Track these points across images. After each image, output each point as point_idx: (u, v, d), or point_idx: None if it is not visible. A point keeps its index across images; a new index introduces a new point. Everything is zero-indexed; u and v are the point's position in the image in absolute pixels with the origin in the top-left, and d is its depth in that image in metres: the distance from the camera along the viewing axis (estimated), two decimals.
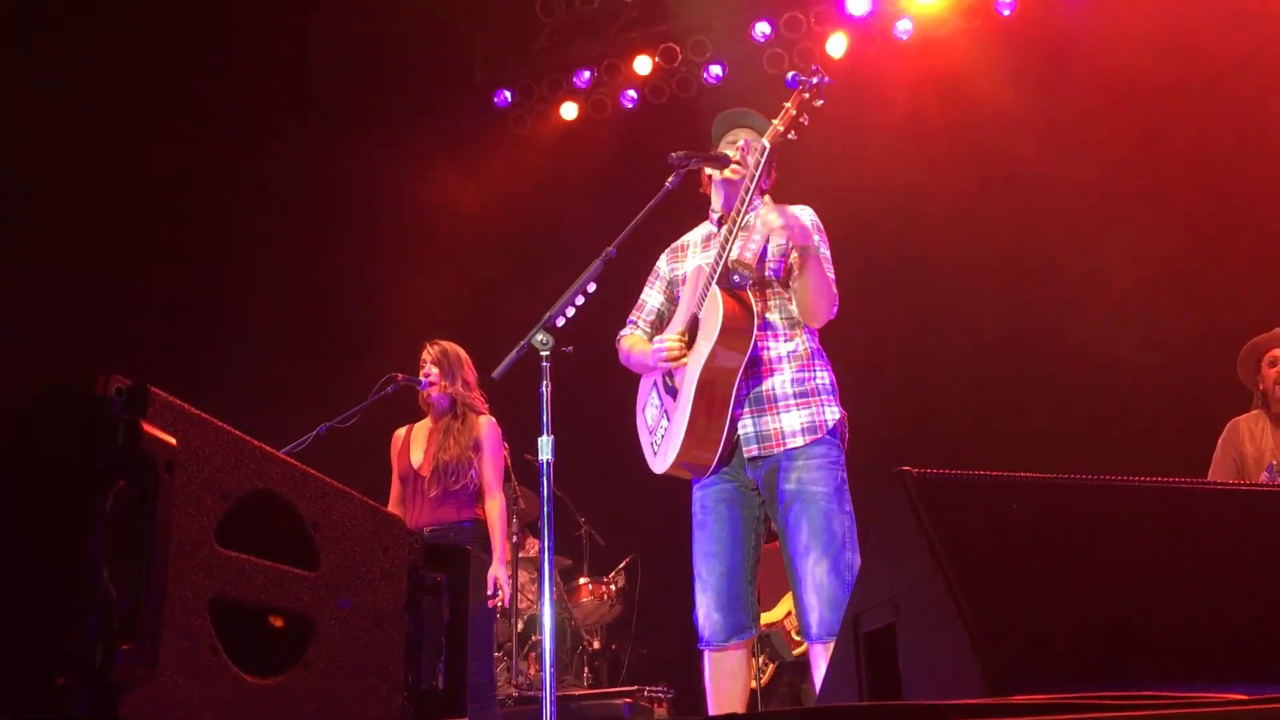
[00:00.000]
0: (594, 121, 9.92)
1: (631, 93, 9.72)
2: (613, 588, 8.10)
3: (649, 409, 4.49)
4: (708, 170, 4.50)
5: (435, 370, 6.01)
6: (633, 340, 4.56)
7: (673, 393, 4.28)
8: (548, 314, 4.13)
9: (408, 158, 9.68)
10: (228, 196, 8.89)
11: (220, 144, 8.69)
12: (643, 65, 9.50)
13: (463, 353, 6.13)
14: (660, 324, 4.56)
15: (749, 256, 4.13)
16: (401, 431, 6.18)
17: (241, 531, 1.83)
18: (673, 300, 4.52)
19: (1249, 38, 7.86)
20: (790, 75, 4.12)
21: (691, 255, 4.52)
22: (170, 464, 1.69)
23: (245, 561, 1.83)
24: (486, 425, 5.97)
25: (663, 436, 4.31)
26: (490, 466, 5.92)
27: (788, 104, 4.10)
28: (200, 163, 8.61)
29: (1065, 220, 8.50)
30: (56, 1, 7.80)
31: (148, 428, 1.66)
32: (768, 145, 4.10)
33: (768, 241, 4.20)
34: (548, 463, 4.10)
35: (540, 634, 4.39)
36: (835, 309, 4.24)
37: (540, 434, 4.13)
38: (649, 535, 8.22)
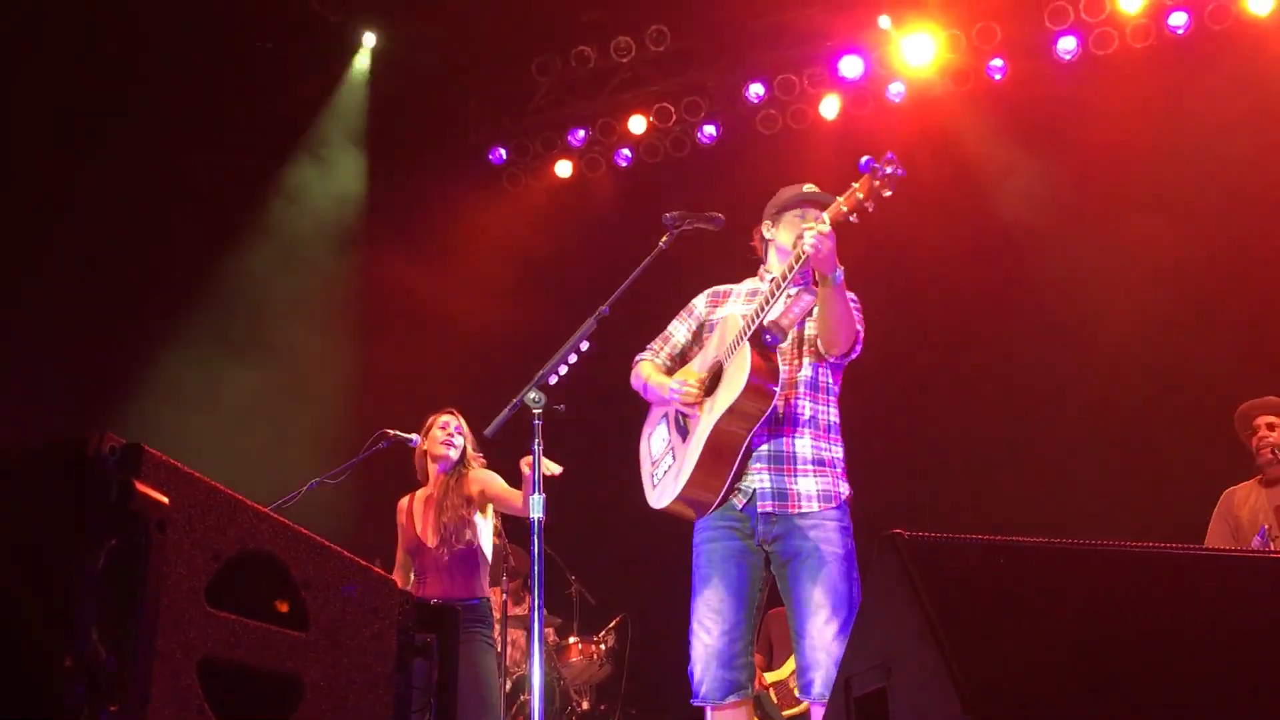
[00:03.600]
0: (588, 180, 9.97)
1: (626, 151, 9.78)
2: (603, 647, 8.02)
3: (654, 439, 4.50)
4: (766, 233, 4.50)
5: (463, 440, 5.99)
6: (650, 369, 4.53)
7: (684, 433, 4.29)
8: (540, 372, 4.13)
9: (401, 214, 9.71)
10: (216, 255, 8.89)
11: (210, 203, 8.70)
12: (637, 124, 9.57)
13: None
14: (680, 359, 4.56)
15: (787, 322, 4.15)
16: (404, 502, 6.10)
17: (232, 591, 1.82)
18: (698, 341, 4.53)
19: (1239, 103, 7.94)
20: (864, 159, 3.91)
21: (732, 303, 4.49)
22: (162, 523, 1.69)
23: (235, 622, 1.82)
24: (477, 476, 5.93)
25: (665, 473, 4.33)
26: (503, 492, 5.77)
27: (856, 185, 3.93)
28: (190, 220, 8.62)
29: (1060, 281, 8.53)
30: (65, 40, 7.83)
31: (140, 487, 1.66)
32: (827, 221, 3.94)
33: (810, 310, 4.21)
34: (539, 521, 4.09)
35: (529, 694, 4.35)
36: (858, 347, 4.22)
37: (532, 492, 4.13)
38: (640, 594, 8.18)
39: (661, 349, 4.59)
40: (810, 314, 4.24)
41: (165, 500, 1.70)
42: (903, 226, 8.42)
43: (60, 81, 7.83)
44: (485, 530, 5.90)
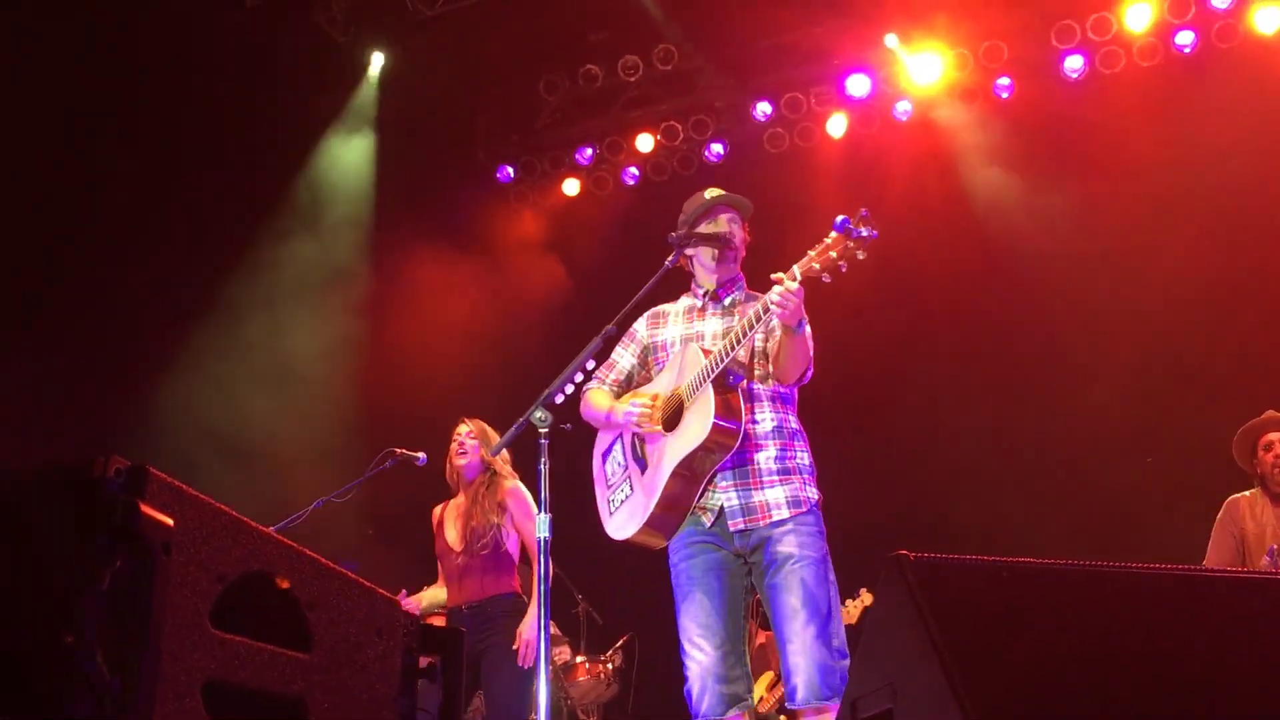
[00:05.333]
0: (596, 198, 9.99)
1: (633, 170, 9.80)
2: (610, 666, 7.99)
3: (610, 462, 4.51)
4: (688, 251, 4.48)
5: (473, 442, 6.06)
6: (600, 396, 4.57)
7: (641, 462, 4.29)
8: (546, 391, 4.12)
9: (409, 233, 9.72)
10: (223, 275, 8.90)
11: (217, 223, 8.72)
12: (645, 143, 9.59)
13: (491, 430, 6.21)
14: (627, 385, 4.60)
15: (746, 356, 4.18)
16: (437, 510, 6.25)
17: (236, 613, 1.83)
18: (644, 365, 4.57)
19: (1247, 121, 7.94)
20: (840, 219, 3.84)
21: (673, 323, 4.53)
22: (167, 545, 1.69)
23: (239, 644, 1.82)
24: (512, 487, 6.00)
25: (622, 501, 4.36)
26: (528, 530, 5.91)
27: (829, 242, 3.87)
28: (196, 239, 8.63)
29: (1066, 300, 8.52)
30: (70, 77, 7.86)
31: (146, 509, 1.66)
32: (798, 277, 3.88)
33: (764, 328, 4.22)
34: (545, 540, 4.08)
35: (536, 713, 4.34)
36: (809, 374, 4.24)
37: (538, 511, 4.12)
38: (647, 614, 8.16)
39: (608, 376, 4.63)
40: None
41: (170, 522, 1.70)
42: (909, 245, 8.43)
43: (65, 99, 7.86)
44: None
